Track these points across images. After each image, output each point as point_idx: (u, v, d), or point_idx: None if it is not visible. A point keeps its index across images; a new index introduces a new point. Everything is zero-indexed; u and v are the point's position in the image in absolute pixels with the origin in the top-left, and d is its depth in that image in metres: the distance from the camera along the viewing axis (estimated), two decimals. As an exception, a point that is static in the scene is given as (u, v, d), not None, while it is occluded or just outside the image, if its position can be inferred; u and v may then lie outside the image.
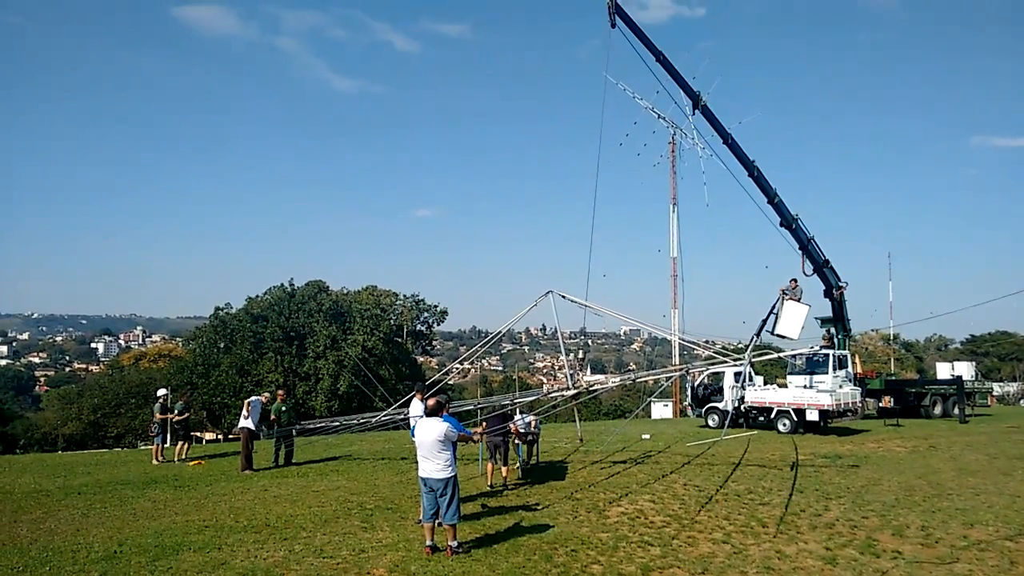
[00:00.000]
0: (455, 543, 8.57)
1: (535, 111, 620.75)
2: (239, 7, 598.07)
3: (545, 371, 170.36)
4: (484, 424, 13.16)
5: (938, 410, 29.39)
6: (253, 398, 17.44)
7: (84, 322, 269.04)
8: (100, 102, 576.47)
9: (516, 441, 14.43)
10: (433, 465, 8.66)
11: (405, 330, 65.24)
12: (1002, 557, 8.72)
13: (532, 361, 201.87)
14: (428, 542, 8.62)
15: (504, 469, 13.37)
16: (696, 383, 28.49)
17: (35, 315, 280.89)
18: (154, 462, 18.10)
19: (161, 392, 19.49)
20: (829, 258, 26.58)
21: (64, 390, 64.06)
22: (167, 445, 18.82)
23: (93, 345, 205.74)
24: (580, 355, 20.25)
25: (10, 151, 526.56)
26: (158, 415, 18.74)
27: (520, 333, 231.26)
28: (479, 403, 18.03)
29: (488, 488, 12.99)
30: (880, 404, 28.89)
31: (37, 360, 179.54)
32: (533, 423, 15.93)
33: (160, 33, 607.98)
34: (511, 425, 13.72)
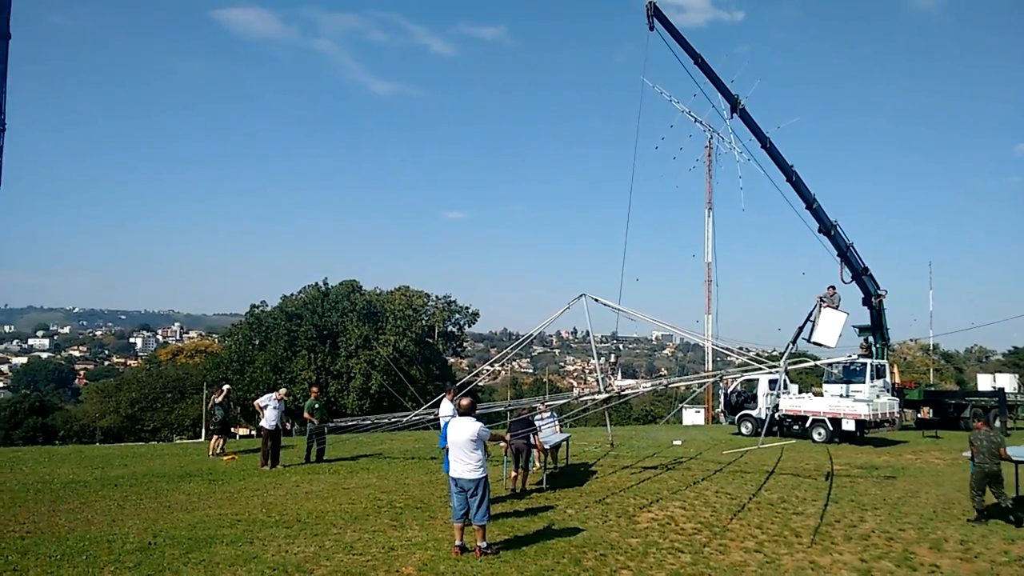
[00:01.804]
0: (484, 544, 8.55)
1: (570, 114, 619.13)
2: (280, 10, 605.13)
3: (575, 374, 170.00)
4: (508, 432, 13.07)
5: (979, 422, 28.75)
6: (264, 397, 17.37)
7: (123, 317, 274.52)
8: (140, 101, 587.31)
9: (538, 451, 14.22)
10: (465, 465, 8.64)
11: (436, 331, 65.56)
12: (1045, 575, 8.48)
13: (563, 364, 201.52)
14: (457, 542, 8.61)
15: (523, 474, 13.14)
16: (729, 390, 28.24)
17: (76, 309, 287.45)
18: (211, 456, 18.33)
19: (226, 387, 19.78)
20: (868, 265, 26.16)
21: (103, 383, 65.52)
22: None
23: (132, 340, 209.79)
24: (611, 359, 20.14)
25: (55, 149, 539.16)
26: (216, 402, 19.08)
27: (551, 336, 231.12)
28: (509, 405, 18.04)
29: (507, 491, 12.89)
30: (918, 415, 28.39)
31: (77, 354, 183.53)
32: (556, 427, 15.85)
33: (200, 35, 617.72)
34: (534, 438, 13.45)
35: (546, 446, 14.36)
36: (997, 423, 27.45)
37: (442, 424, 12.56)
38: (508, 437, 12.52)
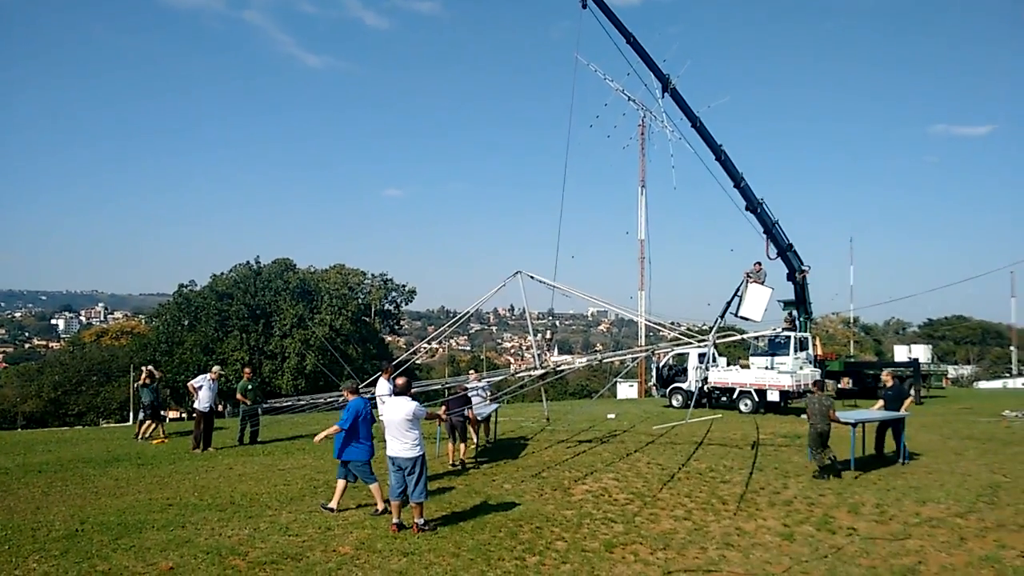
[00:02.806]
0: (422, 521, 8.63)
1: (505, 91, 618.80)
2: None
3: (513, 351, 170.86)
4: (445, 406, 13.41)
5: (895, 391, 30.08)
6: (198, 378, 17.00)
7: (44, 298, 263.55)
8: (58, 72, 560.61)
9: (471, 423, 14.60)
10: (401, 444, 8.69)
11: (373, 309, 64.98)
12: (952, 533, 9.00)
13: (500, 341, 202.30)
14: (395, 520, 8.67)
15: (462, 447, 13.63)
16: (661, 364, 28.84)
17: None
18: (139, 439, 17.83)
19: (145, 368, 19.08)
20: (792, 242, 26.98)
21: (23, 367, 62.99)
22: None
23: (53, 321, 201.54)
24: (548, 335, 20.39)
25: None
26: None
27: (488, 313, 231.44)
28: (446, 382, 18.11)
29: (450, 466, 13.18)
30: (839, 385, 29.47)
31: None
32: (487, 398, 16.21)
33: (120, 3, 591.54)
34: (468, 411, 13.88)
35: (479, 418, 14.60)
36: (912, 392, 28.81)
37: (378, 403, 12.57)
38: (444, 414, 12.79)
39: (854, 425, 13.28)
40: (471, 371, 17.97)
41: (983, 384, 57.75)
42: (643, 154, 49.40)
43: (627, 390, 47.78)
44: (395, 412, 8.76)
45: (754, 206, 25.87)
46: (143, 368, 18.86)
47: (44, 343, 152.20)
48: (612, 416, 22.70)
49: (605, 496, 10.79)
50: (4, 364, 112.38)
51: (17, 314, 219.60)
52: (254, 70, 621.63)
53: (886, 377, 15.22)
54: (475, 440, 15.17)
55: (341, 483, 9.68)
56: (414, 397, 9.11)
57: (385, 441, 8.93)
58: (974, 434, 17.96)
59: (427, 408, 9.70)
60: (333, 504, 9.58)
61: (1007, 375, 62.33)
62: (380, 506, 9.46)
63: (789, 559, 8.11)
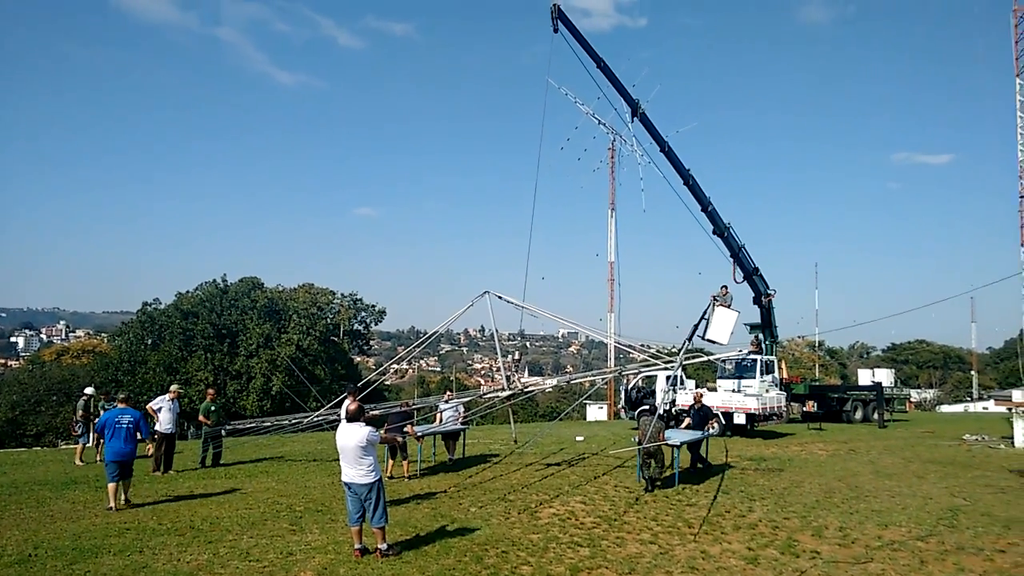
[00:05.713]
0: (385, 545, 8.52)
1: (478, 113, 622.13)
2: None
3: (483, 372, 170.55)
4: (386, 423, 14.06)
5: (859, 415, 30.49)
6: (156, 400, 16.58)
7: (3, 315, 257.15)
8: (18, 86, 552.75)
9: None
10: (356, 471, 8.57)
11: (342, 329, 64.52)
12: (913, 557, 9.10)
13: (470, 362, 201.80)
14: (357, 545, 8.55)
15: (405, 464, 14.43)
16: (630, 386, 28.94)
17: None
18: (77, 463, 17.43)
19: (88, 391, 18.76)
20: (759, 266, 27.35)
21: (-21, 386, 61.31)
22: (89, 445, 18.10)
23: (12, 339, 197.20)
24: (517, 356, 20.49)
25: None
26: (80, 412, 18.09)
27: (459, 334, 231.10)
28: (415, 403, 18.11)
29: (387, 478, 13.35)
30: (804, 408, 29.76)
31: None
32: (459, 417, 16.83)
33: (91, 17, 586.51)
34: (408, 428, 14.53)
35: (427, 431, 15.37)
36: (875, 415, 29.22)
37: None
38: (387, 434, 12.97)
39: (678, 446, 14.34)
40: (446, 391, 18.28)
41: (945, 408, 58.79)
42: (613, 177, 49.93)
43: (597, 412, 47.91)
44: (348, 438, 8.63)
45: (721, 230, 26.21)
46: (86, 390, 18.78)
47: (3, 362, 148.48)
48: (581, 438, 22.68)
49: (572, 519, 10.76)
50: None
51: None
52: (226, 87, 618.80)
53: (697, 398, 17.26)
54: (450, 456, 15.76)
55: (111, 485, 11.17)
56: (376, 420, 9.03)
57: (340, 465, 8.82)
58: (936, 457, 18.23)
59: (380, 432, 9.71)
60: (111, 504, 11.05)
61: (968, 399, 63.52)
62: (111, 504, 11.07)
63: (753, 583, 8.14)
